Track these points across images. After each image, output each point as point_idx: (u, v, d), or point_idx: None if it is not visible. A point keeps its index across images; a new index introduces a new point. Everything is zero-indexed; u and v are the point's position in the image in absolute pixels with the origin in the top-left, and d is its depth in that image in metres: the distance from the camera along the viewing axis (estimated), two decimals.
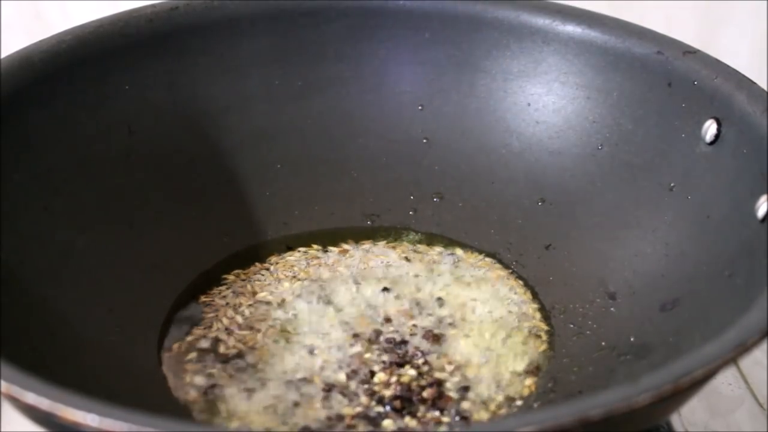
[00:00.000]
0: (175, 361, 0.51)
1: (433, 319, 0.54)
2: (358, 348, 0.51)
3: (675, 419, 0.54)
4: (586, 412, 0.33)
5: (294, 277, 0.57)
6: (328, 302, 0.55)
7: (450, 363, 0.50)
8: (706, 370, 0.35)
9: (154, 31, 0.60)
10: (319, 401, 0.48)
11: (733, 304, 0.43)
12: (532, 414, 0.47)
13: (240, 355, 0.51)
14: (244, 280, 0.57)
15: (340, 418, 0.47)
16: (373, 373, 0.50)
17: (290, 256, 0.59)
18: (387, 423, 0.47)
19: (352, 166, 0.63)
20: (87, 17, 0.59)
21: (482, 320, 0.54)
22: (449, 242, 0.60)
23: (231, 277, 0.57)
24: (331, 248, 0.60)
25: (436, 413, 0.48)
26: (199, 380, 0.49)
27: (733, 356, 0.36)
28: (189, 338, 0.52)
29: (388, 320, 0.54)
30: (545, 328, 0.54)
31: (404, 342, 0.52)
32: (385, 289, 0.56)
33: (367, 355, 0.51)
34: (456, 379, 0.50)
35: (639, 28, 0.58)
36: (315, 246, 0.60)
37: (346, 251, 0.60)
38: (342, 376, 0.49)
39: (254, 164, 0.62)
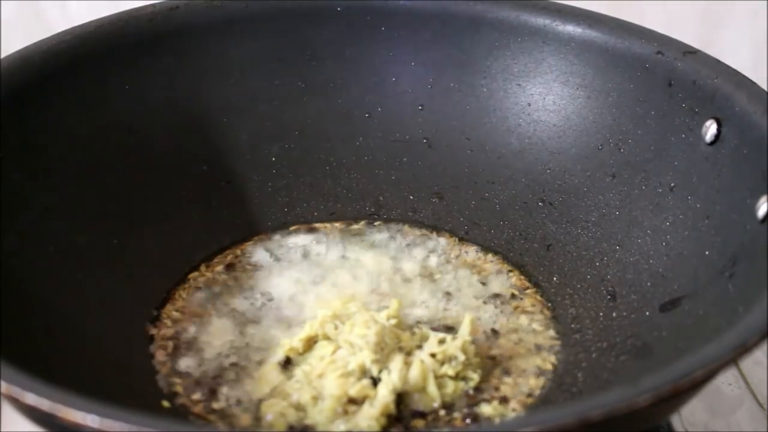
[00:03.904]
0: (172, 361, 0.51)
1: (435, 319, 0.54)
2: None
3: (675, 419, 0.54)
4: (586, 413, 0.33)
5: (293, 262, 0.58)
6: (332, 288, 0.56)
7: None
8: (707, 371, 0.35)
9: (154, 31, 0.60)
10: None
11: (734, 305, 0.43)
12: (533, 414, 0.47)
13: (237, 352, 0.51)
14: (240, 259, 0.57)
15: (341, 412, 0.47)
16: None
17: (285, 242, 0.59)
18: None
19: (352, 166, 0.63)
20: (87, 17, 0.59)
21: (482, 321, 0.54)
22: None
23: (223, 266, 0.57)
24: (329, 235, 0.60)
25: (442, 412, 0.48)
26: (195, 376, 0.50)
27: (733, 357, 0.36)
28: (185, 338, 0.52)
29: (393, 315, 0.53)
30: (545, 328, 0.54)
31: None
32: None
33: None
34: (456, 377, 0.50)
35: (639, 28, 0.58)
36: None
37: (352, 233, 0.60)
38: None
39: (254, 164, 0.62)
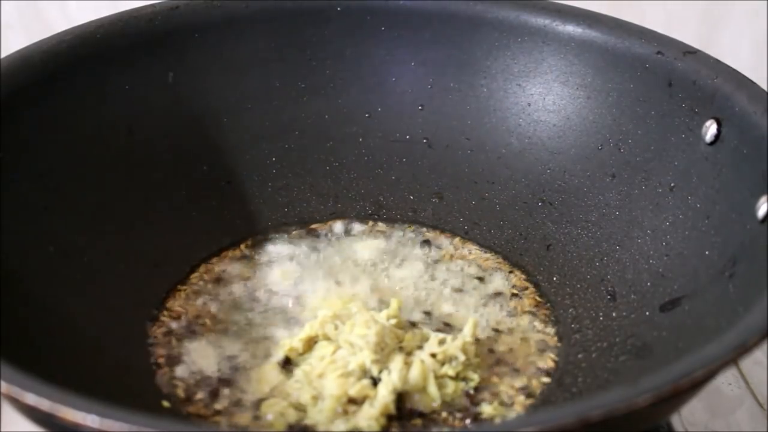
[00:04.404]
0: (171, 361, 0.51)
1: (436, 318, 0.54)
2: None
3: (675, 419, 0.54)
4: (586, 413, 0.33)
5: (293, 262, 0.58)
6: (332, 288, 0.56)
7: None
8: (707, 371, 0.35)
9: (154, 31, 0.60)
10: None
11: (734, 305, 0.43)
12: (533, 414, 0.47)
13: (237, 352, 0.51)
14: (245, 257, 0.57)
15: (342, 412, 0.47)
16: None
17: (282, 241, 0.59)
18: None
19: (352, 166, 0.64)
20: (87, 17, 0.59)
21: (482, 320, 0.54)
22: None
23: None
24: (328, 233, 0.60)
25: (442, 413, 0.48)
26: (195, 376, 0.50)
27: (733, 357, 0.36)
28: (184, 338, 0.52)
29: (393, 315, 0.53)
30: (545, 328, 0.54)
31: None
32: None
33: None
34: (456, 378, 0.50)
35: (639, 28, 0.58)
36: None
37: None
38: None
39: (254, 164, 0.62)
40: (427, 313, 0.55)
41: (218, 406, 0.48)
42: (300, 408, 0.48)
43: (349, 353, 0.49)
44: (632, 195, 0.56)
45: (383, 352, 0.48)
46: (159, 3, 0.61)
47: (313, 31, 0.63)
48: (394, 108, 0.64)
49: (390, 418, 0.47)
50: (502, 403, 0.48)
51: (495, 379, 0.50)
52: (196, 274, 0.57)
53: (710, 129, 0.52)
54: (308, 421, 0.47)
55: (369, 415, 0.46)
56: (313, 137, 0.64)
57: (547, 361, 0.51)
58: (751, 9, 0.81)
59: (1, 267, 0.48)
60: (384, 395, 0.47)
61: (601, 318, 0.53)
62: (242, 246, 0.59)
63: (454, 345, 0.49)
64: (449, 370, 0.49)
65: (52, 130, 0.55)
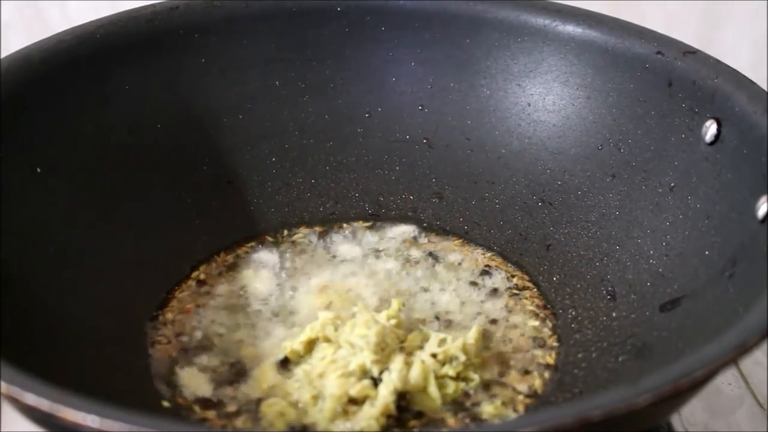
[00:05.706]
0: (171, 360, 0.51)
1: (436, 318, 0.54)
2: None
3: (675, 419, 0.54)
4: (586, 413, 0.33)
5: (293, 262, 0.58)
6: (333, 288, 0.56)
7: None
8: (707, 371, 0.35)
9: (154, 31, 0.60)
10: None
11: (734, 305, 0.43)
12: (533, 414, 0.47)
13: (237, 352, 0.51)
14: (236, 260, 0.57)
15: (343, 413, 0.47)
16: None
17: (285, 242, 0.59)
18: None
19: (352, 166, 0.64)
20: (87, 17, 0.59)
21: (481, 320, 0.54)
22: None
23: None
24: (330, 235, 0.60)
25: (442, 413, 0.48)
26: (194, 376, 0.50)
27: (733, 357, 0.36)
28: (184, 338, 0.53)
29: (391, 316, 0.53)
30: (545, 328, 0.54)
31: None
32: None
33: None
34: (457, 378, 0.50)
35: (639, 28, 0.58)
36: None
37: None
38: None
39: (254, 164, 0.62)
40: (428, 313, 0.55)
41: (218, 405, 0.48)
42: (300, 407, 0.48)
43: (349, 353, 0.49)
44: (632, 195, 0.56)
45: (384, 352, 0.48)
46: (159, 3, 0.61)
47: (313, 31, 0.63)
48: (394, 108, 0.64)
49: (390, 418, 0.47)
50: (502, 403, 0.48)
51: (495, 380, 0.50)
52: (196, 274, 0.57)
53: (710, 129, 0.52)
54: (308, 421, 0.47)
55: (369, 415, 0.46)
56: (313, 137, 0.64)
57: (547, 361, 0.51)
58: (751, 9, 0.81)
59: (1, 267, 0.48)
60: (384, 395, 0.47)
61: (601, 318, 0.53)
62: (243, 246, 0.59)
63: (454, 345, 0.49)
64: (450, 370, 0.49)
65: (52, 130, 0.55)
